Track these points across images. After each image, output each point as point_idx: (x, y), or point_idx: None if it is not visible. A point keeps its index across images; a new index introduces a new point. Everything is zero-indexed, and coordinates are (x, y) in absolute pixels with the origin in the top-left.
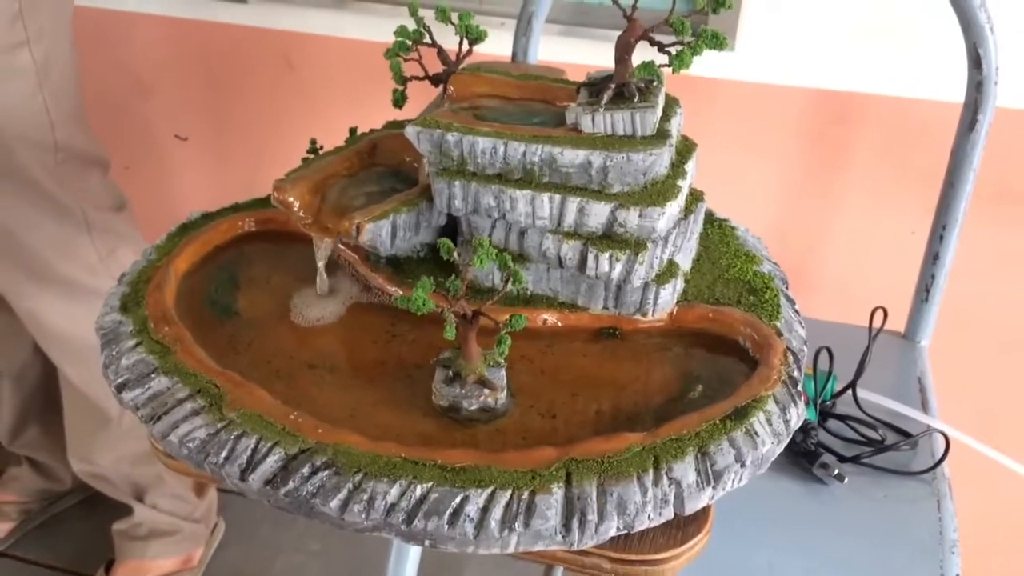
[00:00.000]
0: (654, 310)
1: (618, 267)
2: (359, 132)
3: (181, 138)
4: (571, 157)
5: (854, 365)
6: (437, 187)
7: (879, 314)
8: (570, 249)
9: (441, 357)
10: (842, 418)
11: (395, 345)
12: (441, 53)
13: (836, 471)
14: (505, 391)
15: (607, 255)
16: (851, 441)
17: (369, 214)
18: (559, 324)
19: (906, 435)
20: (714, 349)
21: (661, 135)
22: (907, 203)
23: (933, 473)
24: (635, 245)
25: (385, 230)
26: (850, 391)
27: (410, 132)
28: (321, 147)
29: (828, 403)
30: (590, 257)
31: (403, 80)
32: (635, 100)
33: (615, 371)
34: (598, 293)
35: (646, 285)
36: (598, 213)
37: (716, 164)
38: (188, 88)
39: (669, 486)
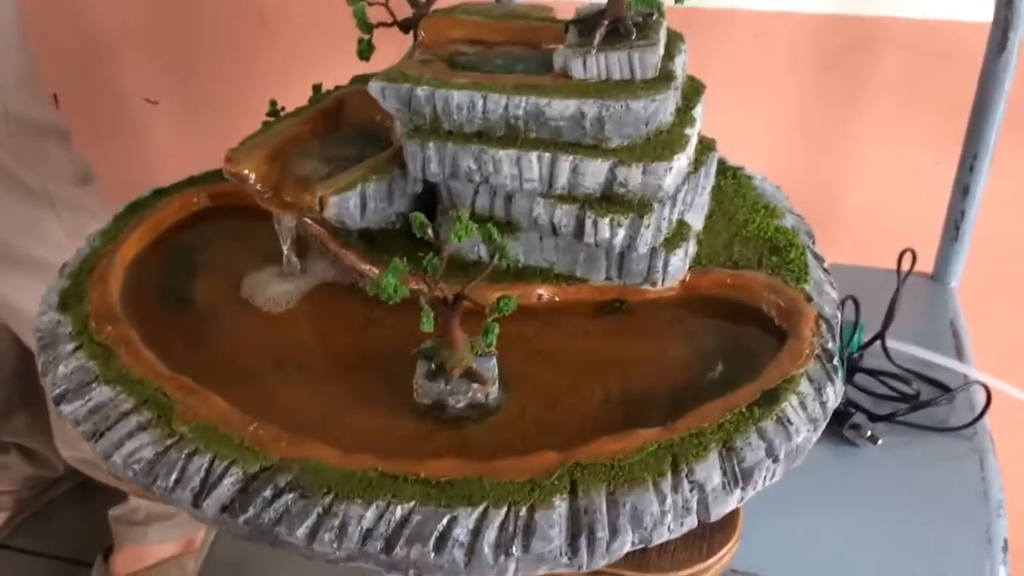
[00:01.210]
0: (664, 279)
1: (620, 233)
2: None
3: (151, 102)
4: (560, 109)
5: (880, 313)
6: (410, 150)
7: (907, 257)
8: (564, 215)
9: (422, 347)
10: (871, 372)
11: (372, 333)
12: None
13: (869, 432)
14: (497, 384)
15: (607, 220)
16: (883, 397)
17: (334, 185)
18: (556, 299)
19: (943, 388)
20: (734, 319)
21: (664, 77)
22: (931, 134)
23: (974, 428)
24: (639, 207)
25: (353, 202)
26: (878, 342)
27: (374, 88)
28: (282, 108)
29: (855, 356)
30: (588, 223)
31: (368, 27)
32: (632, 38)
33: (622, 350)
34: (599, 262)
35: (654, 251)
36: (595, 172)
37: (720, 102)
38: (156, 49)
39: (691, 491)
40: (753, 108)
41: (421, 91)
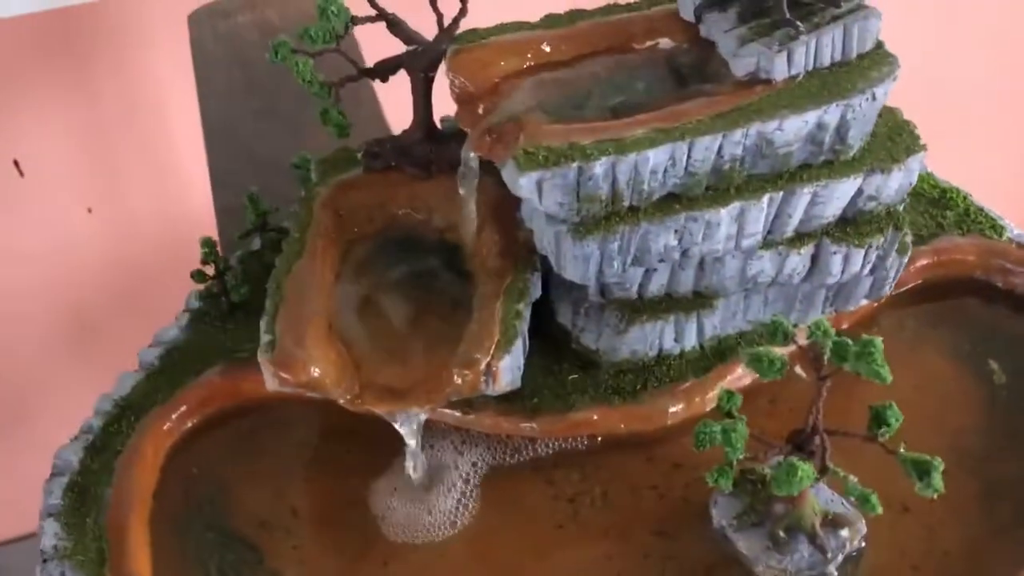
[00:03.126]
0: (891, 287)
1: (874, 256)
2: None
3: None
4: (795, 128)
5: None
6: (580, 253)
7: None
8: (800, 260)
9: (737, 518)
10: None
11: (591, 515)
12: (398, 27)
13: None
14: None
15: (863, 249)
16: None
17: (488, 343)
18: None
19: None
20: (948, 299)
21: (877, 44)
22: None
23: None
24: (891, 217)
25: (520, 355)
26: None
27: (525, 185)
28: (215, 244)
29: None
30: (833, 260)
31: (327, 89)
32: (825, 6)
33: (880, 395)
34: (818, 300)
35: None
36: (842, 194)
37: None
38: None
39: None
40: None
41: (599, 167)
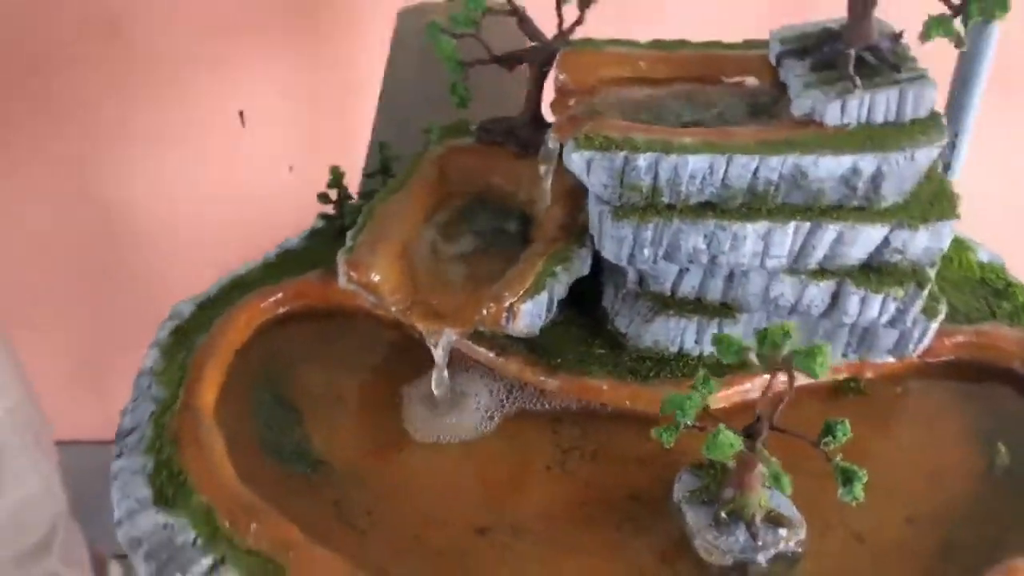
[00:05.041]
0: (916, 350)
1: (892, 307)
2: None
3: None
4: (830, 168)
5: None
6: (616, 235)
7: None
8: (819, 293)
9: (691, 492)
10: None
11: (578, 466)
12: (526, 23)
13: None
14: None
15: (880, 296)
16: None
17: (517, 287)
18: None
19: None
20: (983, 383)
21: (933, 115)
22: None
23: None
24: (915, 274)
25: (543, 306)
26: None
27: (576, 161)
28: (342, 174)
29: None
30: (851, 300)
31: (460, 67)
32: (889, 71)
33: (885, 443)
34: (840, 339)
35: (913, 321)
36: (866, 240)
37: None
38: None
39: None
40: None
41: (643, 159)
